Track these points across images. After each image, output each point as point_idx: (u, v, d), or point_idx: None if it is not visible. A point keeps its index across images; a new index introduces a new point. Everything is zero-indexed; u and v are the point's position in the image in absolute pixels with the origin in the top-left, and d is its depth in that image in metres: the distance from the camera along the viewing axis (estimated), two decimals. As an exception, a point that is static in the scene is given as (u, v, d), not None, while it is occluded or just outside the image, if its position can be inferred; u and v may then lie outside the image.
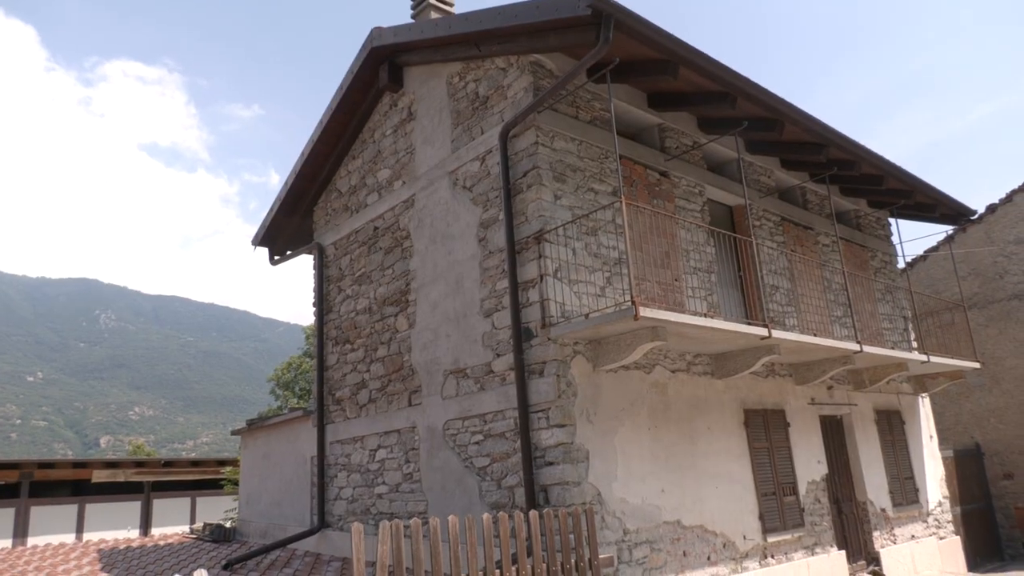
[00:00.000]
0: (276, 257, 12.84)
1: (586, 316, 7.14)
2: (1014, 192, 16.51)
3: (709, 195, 9.80)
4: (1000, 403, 16.31)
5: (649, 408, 7.88)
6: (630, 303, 6.43)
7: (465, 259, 8.53)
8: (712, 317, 8.45)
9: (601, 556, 6.26)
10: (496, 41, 8.13)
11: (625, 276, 7.87)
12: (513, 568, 5.47)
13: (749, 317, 9.61)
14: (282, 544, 10.73)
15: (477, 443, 7.96)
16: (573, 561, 5.94)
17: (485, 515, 5.52)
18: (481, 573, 5.34)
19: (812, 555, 9.32)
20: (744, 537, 8.45)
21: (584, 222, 7.82)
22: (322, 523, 10.58)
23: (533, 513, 5.78)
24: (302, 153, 11.54)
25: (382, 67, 10.25)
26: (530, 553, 5.70)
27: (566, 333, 7.01)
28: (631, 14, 6.69)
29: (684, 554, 7.67)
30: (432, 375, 8.83)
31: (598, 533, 6.66)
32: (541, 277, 7.34)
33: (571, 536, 6.06)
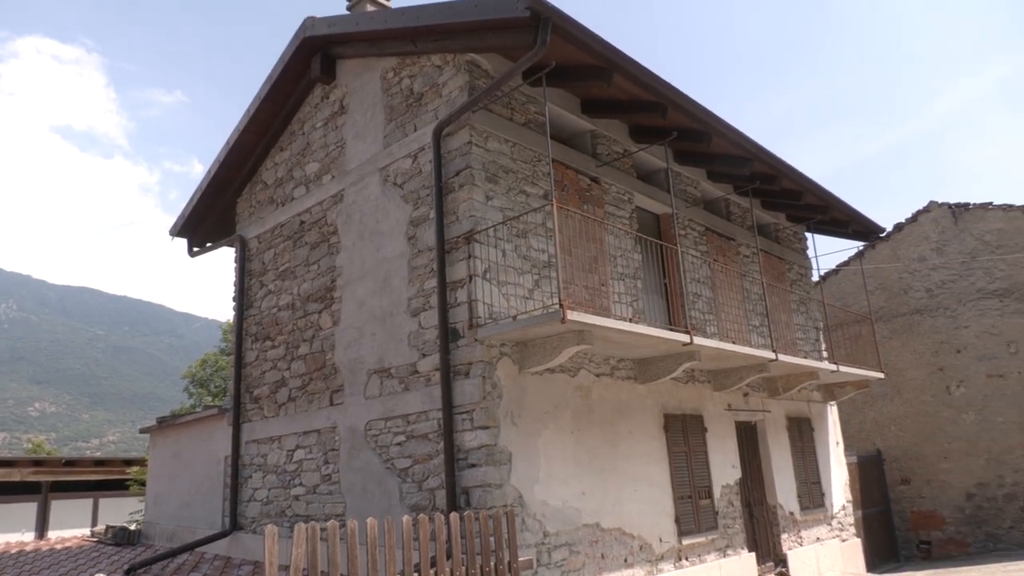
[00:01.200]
0: (195, 249, 12.35)
1: (514, 318, 7.13)
2: (919, 213, 17.49)
3: (638, 203, 9.97)
4: (900, 412, 17.22)
5: (573, 411, 7.94)
6: (558, 306, 6.46)
7: (394, 257, 8.40)
8: (637, 323, 8.59)
9: (520, 559, 6.25)
10: (433, 38, 8.05)
11: (553, 279, 7.91)
12: (432, 571, 5.39)
13: (672, 324, 9.81)
14: (190, 547, 10.29)
15: (399, 444, 7.84)
16: (493, 564, 5.91)
17: (405, 517, 5.42)
18: (399, 576, 5.25)
19: (724, 557, 9.58)
20: (660, 539, 8.61)
21: (515, 224, 7.81)
22: (234, 525, 10.20)
23: (454, 515, 5.72)
24: (227, 142, 11.14)
25: (315, 58, 10.00)
26: (450, 556, 5.63)
27: (493, 334, 6.98)
28: (569, 19, 6.74)
29: (602, 556, 7.75)
30: (355, 374, 8.65)
31: (518, 535, 6.65)
32: (470, 277, 7.29)
33: (491, 539, 6.03)
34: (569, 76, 7.85)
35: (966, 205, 16.69)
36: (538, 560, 6.98)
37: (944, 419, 16.56)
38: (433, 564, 5.46)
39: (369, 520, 5.11)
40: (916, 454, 16.91)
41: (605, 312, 8.28)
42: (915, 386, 17.06)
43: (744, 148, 9.61)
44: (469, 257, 7.33)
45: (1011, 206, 16.05)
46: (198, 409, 16.92)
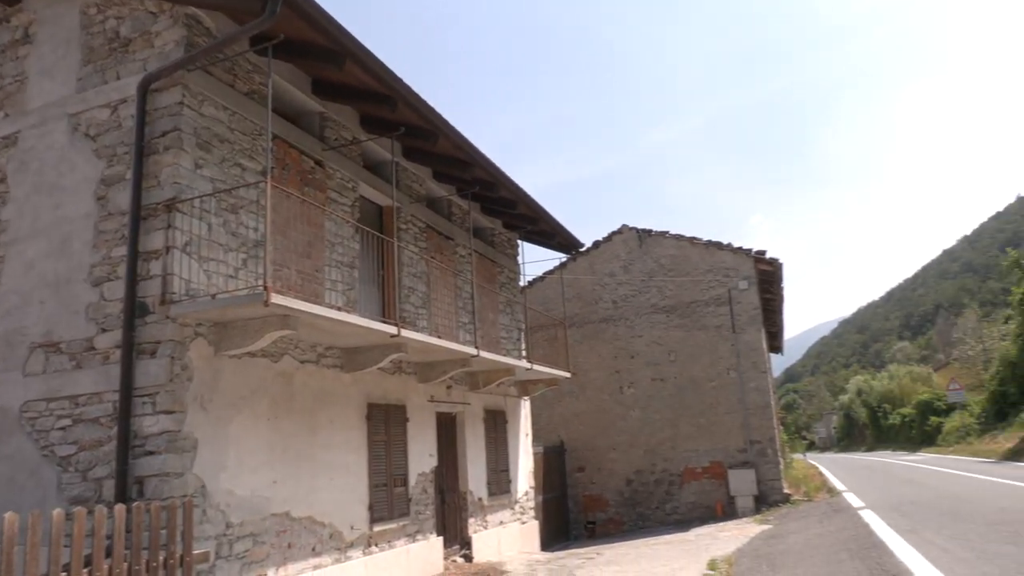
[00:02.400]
0: None
1: (213, 296, 6.72)
2: (613, 233, 19.86)
3: (362, 192, 9.96)
4: (583, 407, 19.38)
5: (272, 398, 7.69)
6: (262, 288, 6.22)
7: (77, 217, 7.40)
8: (348, 312, 8.58)
9: (196, 552, 5.89)
10: (148, -20, 7.27)
11: (262, 260, 7.59)
12: (85, 571, 4.86)
13: (385, 315, 9.96)
14: None
15: (63, 429, 6.93)
16: (162, 559, 5.50)
17: (57, 511, 4.81)
18: (42, 577, 4.64)
19: (413, 542, 9.98)
20: (351, 527, 8.70)
21: (226, 197, 7.35)
22: None
23: (119, 507, 5.22)
24: None
25: (-6, -29, 8.42)
26: (111, 553, 5.13)
27: (188, 312, 6.51)
28: (302, -6, 6.53)
29: (289, 546, 7.62)
30: (14, 347, 7.45)
31: (197, 528, 6.26)
32: (167, 249, 6.71)
33: (164, 532, 5.61)
34: (300, 53, 7.62)
35: (649, 231, 19.34)
36: (218, 552, 6.65)
37: (616, 415, 19.00)
38: (87, 563, 4.93)
39: (8, 515, 4.46)
40: (592, 445, 19.15)
41: (317, 298, 8.15)
42: (597, 385, 19.33)
43: (468, 154, 10.11)
44: (168, 227, 6.74)
45: (682, 236, 18.96)
46: None
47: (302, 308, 6.59)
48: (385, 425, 9.77)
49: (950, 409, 45.01)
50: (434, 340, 9.06)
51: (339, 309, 8.20)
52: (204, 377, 6.82)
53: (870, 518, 10.82)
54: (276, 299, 6.16)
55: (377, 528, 9.15)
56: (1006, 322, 41.74)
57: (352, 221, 9.05)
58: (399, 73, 8.02)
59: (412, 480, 10.21)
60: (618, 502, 18.72)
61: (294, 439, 7.93)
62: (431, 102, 8.77)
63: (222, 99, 7.50)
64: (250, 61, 7.95)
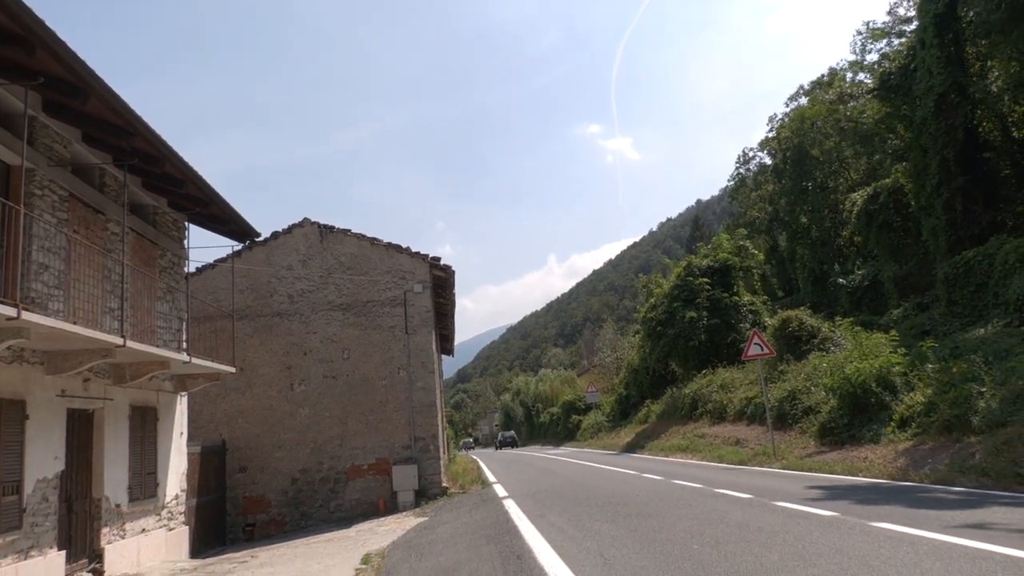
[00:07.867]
0: None
1: None
2: (294, 226, 19.31)
3: (-18, 146, 8.35)
4: (250, 404, 18.46)
5: None
6: None
7: None
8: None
9: None
10: None
11: None
12: None
13: (4, 294, 8.45)
14: None
15: None
16: None
17: None
18: None
19: (25, 559, 8.58)
20: (-64, 546, 7.20)
21: None
22: None
23: None
24: None
25: None
26: None
27: None
28: None
29: None
30: None
31: None
32: None
33: None
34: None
35: (331, 228, 19.18)
36: None
37: (284, 412, 18.44)
38: None
39: None
40: (257, 444, 18.31)
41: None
42: (266, 381, 18.56)
43: (127, 120, 9.05)
44: None
45: (364, 236, 19.14)
46: None
47: None
48: (-6, 423, 8.27)
49: (588, 408, 51.98)
50: (66, 326, 7.92)
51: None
52: None
53: (510, 506, 11.99)
54: None
55: (-27, 546, 7.70)
56: (634, 335, 49.51)
57: (-36, 178, 7.54)
58: (54, 15, 6.91)
59: (29, 487, 8.78)
60: (281, 502, 18.15)
61: None
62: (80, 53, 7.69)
63: None
64: None
